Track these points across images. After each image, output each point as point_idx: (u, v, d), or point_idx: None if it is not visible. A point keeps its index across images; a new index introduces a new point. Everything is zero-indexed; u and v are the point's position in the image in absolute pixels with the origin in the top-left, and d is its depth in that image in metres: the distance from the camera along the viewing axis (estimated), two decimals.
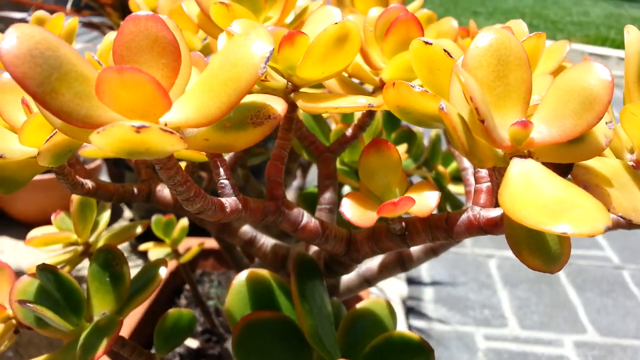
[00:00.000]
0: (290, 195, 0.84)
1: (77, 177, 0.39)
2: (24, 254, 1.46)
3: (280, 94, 0.36)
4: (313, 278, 0.40)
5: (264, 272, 0.42)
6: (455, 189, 0.77)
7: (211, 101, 0.24)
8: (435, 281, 1.81)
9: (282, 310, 0.42)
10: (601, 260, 1.95)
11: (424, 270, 1.87)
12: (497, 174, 0.28)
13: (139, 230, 0.53)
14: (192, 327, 0.48)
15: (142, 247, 0.80)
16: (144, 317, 0.83)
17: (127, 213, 1.56)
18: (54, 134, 0.32)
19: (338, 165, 0.65)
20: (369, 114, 0.46)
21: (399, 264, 0.52)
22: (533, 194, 0.24)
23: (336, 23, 0.32)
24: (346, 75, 0.44)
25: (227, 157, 0.60)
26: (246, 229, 0.48)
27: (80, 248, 0.55)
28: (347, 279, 0.52)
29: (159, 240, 0.81)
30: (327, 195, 0.45)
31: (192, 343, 0.87)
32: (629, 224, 0.30)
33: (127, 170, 1.36)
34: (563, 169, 0.28)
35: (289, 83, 0.36)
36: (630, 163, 0.30)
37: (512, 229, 0.27)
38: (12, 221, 1.57)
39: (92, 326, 0.43)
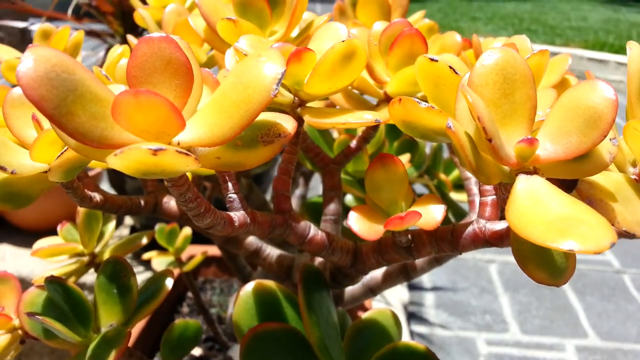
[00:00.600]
0: (294, 203, 0.84)
1: (85, 190, 0.39)
2: (25, 261, 1.46)
3: (287, 108, 0.36)
4: (320, 289, 0.41)
5: (270, 283, 0.43)
6: (457, 196, 0.78)
7: (224, 121, 0.25)
8: (436, 287, 1.81)
9: (288, 321, 0.42)
10: (602, 265, 1.95)
11: (425, 276, 1.87)
12: (503, 189, 0.29)
13: (145, 241, 0.54)
14: (198, 338, 0.49)
15: (146, 255, 0.80)
16: (147, 325, 0.83)
17: (128, 220, 1.56)
18: (65, 151, 0.32)
19: (341, 175, 0.66)
20: (373, 126, 0.47)
21: (403, 273, 0.52)
22: (539, 210, 0.24)
23: (343, 41, 0.32)
24: (350, 87, 0.44)
25: None
26: (251, 240, 0.49)
27: (86, 259, 0.55)
28: (351, 288, 0.53)
29: (162, 249, 0.81)
30: (332, 207, 0.45)
31: (195, 351, 0.87)
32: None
33: (128, 177, 1.37)
34: (568, 184, 0.28)
35: (296, 98, 0.36)
36: (633, 177, 0.30)
37: (518, 243, 0.28)
38: (13, 228, 1.58)
39: (99, 338, 0.44)
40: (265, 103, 0.24)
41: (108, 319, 0.45)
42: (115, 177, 1.43)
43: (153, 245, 0.84)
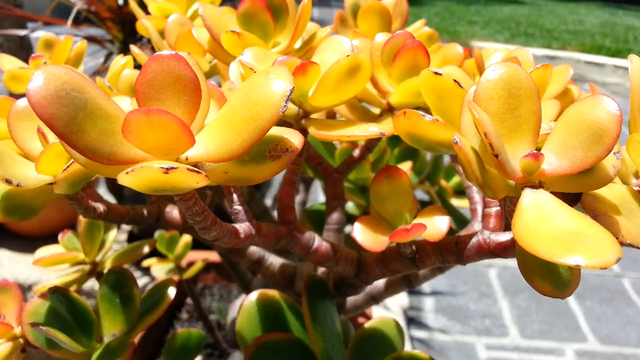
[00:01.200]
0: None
1: (89, 201, 0.39)
2: (23, 266, 1.46)
3: (292, 120, 0.37)
4: (323, 299, 0.41)
5: (274, 293, 0.43)
6: (457, 202, 0.78)
7: (232, 138, 0.25)
8: (435, 291, 1.82)
9: (292, 330, 0.42)
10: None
11: None
12: (509, 201, 0.29)
13: (146, 250, 0.54)
14: (201, 347, 0.49)
15: (146, 263, 0.80)
16: (146, 333, 0.83)
17: (126, 225, 1.56)
18: (70, 164, 0.32)
19: None
20: None
21: (405, 281, 0.52)
22: (545, 225, 0.25)
23: (348, 55, 0.33)
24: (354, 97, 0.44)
25: None
26: (254, 249, 0.49)
27: (87, 267, 0.55)
28: (353, 296, 0.53)
29: (161, 256, 0.81)
30: (335, 216, 0.45)
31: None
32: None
33: None
34: (572, 198, 0.28)
35: (300, 110, 0.36)
36: (636, 188, 0.30)
37: (524, 256, 0.28)
38: (10, 234, 1.57)
39: (103, 347, 0.44)
40: (274, 120, 0.24)
41: (111, 328, 0.45)
42: (113, 182, 1.43)
43: (153, 251, 0.84)
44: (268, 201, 1.78)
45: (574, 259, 0.22)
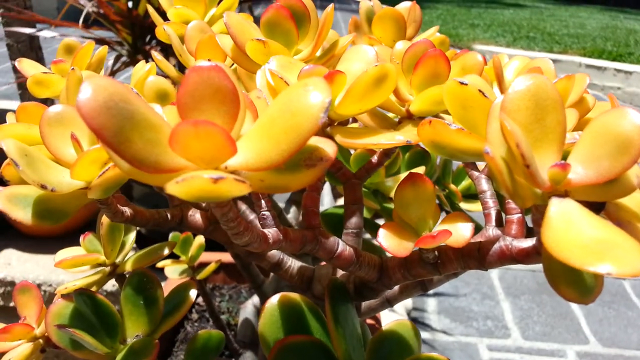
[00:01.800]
0: None
1: (118, 205, 0.40)
2: (31, 266, 1.47)
3: None
4: (345, 302, 0.42)
5: (295, 296, 0.44)
6: (466, 206, 0.79)
7: (271, 147, 0.26)
8: (438, 292, 1.83)
9: (312, 333, 0.43)
10: None
11: None
12: (535, 210, 0.30)
13: (166, 251, 0.55)
14: (221, 348, 0.50)
15: (160, 264, 0.81)
16: None
17: None
18: (106, 170, 0.33)
19: None
20: None
21: (420, 284, 0.53)
22: (573, 233, 0.26)
23: (376, 65, 0.33)
24: None
25: None
26: (274, 252, 0.50)
27: (107, 269, 0.56)
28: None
29: (174, 256, 0.82)
30: (354, 220, 0.46)
31: None
32: None
33: (135, 184, 1.38)
34: (596, 206, 0.29)
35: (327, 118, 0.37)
36: None
37: (550, 263, 0.29)
38: (18, 234, 1.58)
39: (127, 348, 0.45)
40: (314, 131, 0.25)
41: (134, 329, 0.46)
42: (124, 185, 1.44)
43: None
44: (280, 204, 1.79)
45: (604, 268, 0.23)
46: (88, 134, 0.37)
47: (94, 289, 0.57)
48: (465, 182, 0.81)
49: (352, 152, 0.63)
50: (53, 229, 1.57)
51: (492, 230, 0.47)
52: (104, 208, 0.39)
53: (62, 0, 1.54)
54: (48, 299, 1.35)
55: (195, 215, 0.47)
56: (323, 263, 0.81)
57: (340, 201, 0.78)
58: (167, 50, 1.38)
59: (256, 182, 0.28)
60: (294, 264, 0.50)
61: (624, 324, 1.69)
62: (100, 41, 1.34)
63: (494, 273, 1.95)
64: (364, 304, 0.55)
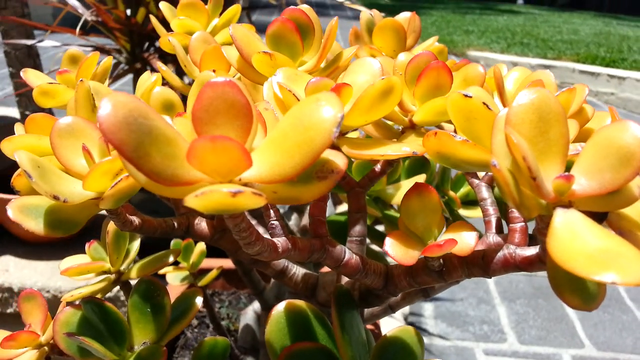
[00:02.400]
0: (305, 220, 0.86)
1: (127, 215, 0.41)
2: (29, 272, 1.47)
3: None
4: (351, 309, 0.42)
5: (301, 303, 0.44)
6: (465, 212, 0.80)
7: (284, 160, 0.26)
8: (434, 297, 1.83)
9: (318, 339, 0.44)
10: None
11: None
12: (539, 220, 0.30)
13: (171, 259, 0.55)
14: (226, 354, 0.50)
15: (161, 270, 0.81)
16: None
17: None
18: (119, 181, 0.34)
19: None
20: None
21: (422, 291, 0.54)
22: (578, 243, 0.26)
23: (383, 78, 0.34)
24: None
25: None
26: (279, 260, 0.50)
27: (112, 276, 0.56)
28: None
29: (176, 263, 0.83)
30: (358, 228, 0.47)
31: None
32: None
33: None
34: (599, 216, 0.30)
35: None
36: None
37: (554, 271, 0.30)
38: (15, 240, 1.58)
39: (135, 356, 0.45)
40: (327, 145, 0.25)
41: (141, 337, 0.47)
42: None
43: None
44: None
45: (609, 277, 0.24)
46: (98, 145, 0.37)
47: (98, 296, 0.58)
48: (464, 189, 0.82)
49: (354, 160, 0.64)
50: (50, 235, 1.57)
51: (492, 237, 0.48)
52: (113, 218, 0.40)
53: (58, 7, 1.54)
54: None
55: (201, 224, 0.48)
56: (324, 270, 0.82)
57: (341, 208, 0.78)
58: (165, 58, 1.39)
59: (269, 194, 0.28)
60: (298, 271, 0.51)
61: (619, 327, 1.70)
62: (98, 49, 1.35)
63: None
64: (366, 311, 0.56)
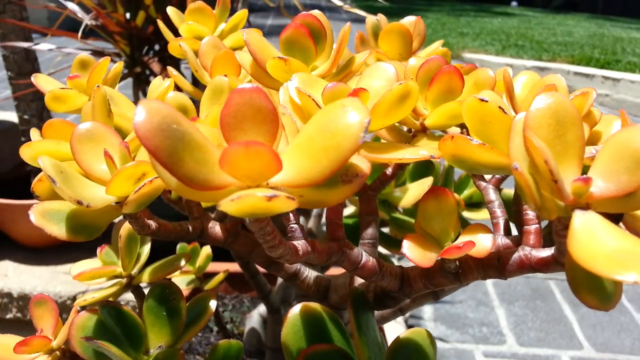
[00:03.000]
0: (311, 223, 0.87)
1: (145, 219, 0.41)
2: (27, 277, 1.47)
3: None
4: (366, 311, 0.43)
5: (316, 305, 0.45)
6: (469, 214, 0.81)
7: (311, 165, 0.27)
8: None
9: (334, 341, 0.44)
10: None
11: None
12: (557, 222, 0.31)
13: (183, 263, 0.56)
14: (240, 357, 0.51)
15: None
16: None
17: None
18: (142, 186, 0.34)
19: None
20: None
21: (432, 293, 0.55)
22: (598, 244, 0.27)
23: (400, 83, 0.35)
24: None
25: None
26: (297, 263, 0.51)
27: (124, 281, 0.57)
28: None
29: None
30: (370, 231, 0.48)
31: None
32: None
33: None
34: (615, 217, 0.31)
35: None
36: None
37: (573, 272, 0.30)
38: (14, 245, 1.58)
39: (151, 359, 0.46)
40: (354, 150, 0.26)
41: (157, 341, 0.47)
42: None
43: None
44: None
45: (630, 276, 0.25)
46: (119, 151, 0.38)
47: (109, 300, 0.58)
48: (468, 191, 0.82)
49: None
50: (49, 240, 1.57)
51: (501, 239, 0.49)
52: (132, 222, 0.40)
53: (54, 10, 1.54)
54: None
55: (215, 228, 0.48)
56: (330, 272, 0.82)
57: (346, 211, 0.79)
58: (165, 62, 1.39)
59: (296, 197, 0.29)
60: (310, 274, 0.52)
61: (617, 329, 1.72)
62: (97, 52, 1.35)
63: (489, 280, 1.96)
64: (377, 312, 0.56)
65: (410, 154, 0.35)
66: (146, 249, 0.58)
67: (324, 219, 0.92)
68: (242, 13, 0.65)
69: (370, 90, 0.39)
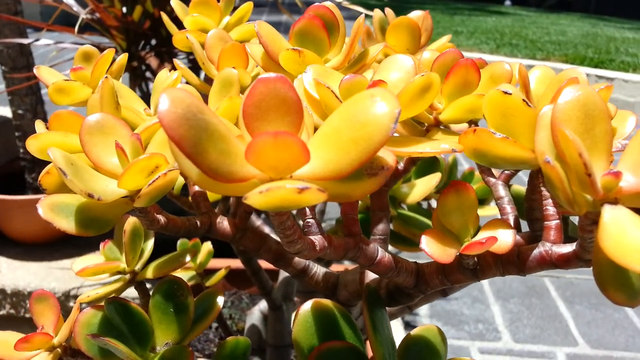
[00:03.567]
0: None
1: (154, 214, 0.40)
2: (21, 273, 1.45)
3: None
4: (380, 308, 0.42)
5: (327, 302, 0.44)
6: None
7: (340, 157, 0.26)
8: None
9: (346, 338, 0.43)
10: (589, 274, 2.00)
11: None
12: (584, 217, 0.30)
13: (188, 259, 0.55)
14: (247, 353, 0.50)
15: None
16: None
17: None
18: (156, 179, 0.33)
19: None
20: None
21: (441, 290, 0.54)
22: (629, 239, 0.27)
23: (422, 75, 0.34)
24: None
25: None
26: (300, 259, 0.50)
27: (127, 276, 0.56)
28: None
29: None
30: (381, 227, 0.47)
31: None
32: None
33: None
34: None
35: None
36: None
37: (600, 267, 0.30)
38: (8, 241, 1.56)
39: (158, 357, 0.45)
40: (385, 141, 0.25)
41: (164, 337, 0.46)
42: None
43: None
44: None
45: None
46: (131, 143, 0.37)
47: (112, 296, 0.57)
48: None
49: None
50: (43, 235, 1.55)
51: None
52: (141, 216, 0.39)
53: (47, 5, 1.52)
54: None
55: (223, 223, 0.47)
56: (333, 268, 0.81)
57: None
58: (161, 56, 1.38)
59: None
60: (319, 270, 0.51)
61: (611, 325, 1.72)
62: (93, 46, 1.33)
63: None
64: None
65: (431, 148, 0.35)
66: (149, 244, 0.57)
67: (325, 216, 0.91)
68: (247, 6, 0.64)
69: (388, 82, 0.38)
